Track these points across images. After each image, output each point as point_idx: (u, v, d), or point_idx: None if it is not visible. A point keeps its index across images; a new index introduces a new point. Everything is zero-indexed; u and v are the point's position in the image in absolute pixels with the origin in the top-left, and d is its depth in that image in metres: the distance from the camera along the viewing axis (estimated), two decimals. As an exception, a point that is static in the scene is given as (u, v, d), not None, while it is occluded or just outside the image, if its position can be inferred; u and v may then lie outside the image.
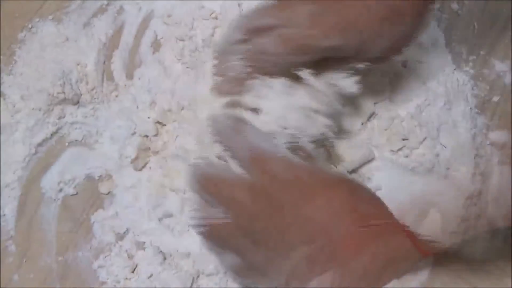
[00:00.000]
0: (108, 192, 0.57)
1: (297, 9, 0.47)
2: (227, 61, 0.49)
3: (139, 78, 0.61)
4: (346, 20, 0.47)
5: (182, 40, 0.61)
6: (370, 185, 0.57)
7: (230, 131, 0.46)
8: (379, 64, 0.52)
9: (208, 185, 0.45)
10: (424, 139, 0.58)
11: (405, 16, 0.49)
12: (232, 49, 0.49)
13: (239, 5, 0.62)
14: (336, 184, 0.43)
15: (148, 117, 0.58)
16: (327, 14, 0.47)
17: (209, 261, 0.53)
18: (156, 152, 0.57)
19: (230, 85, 0.49)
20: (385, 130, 0.58)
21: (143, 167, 0.57)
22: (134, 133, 0.57)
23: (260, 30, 0.47)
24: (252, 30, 0.48)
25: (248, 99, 0.48)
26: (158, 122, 0.57)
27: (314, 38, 0.47)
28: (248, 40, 0.48)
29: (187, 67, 0.60)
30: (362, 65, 0.50)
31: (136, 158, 0.56)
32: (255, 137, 0.45)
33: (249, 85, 0.48)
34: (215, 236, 0.45)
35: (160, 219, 0.55)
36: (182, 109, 0.57)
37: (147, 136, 0.57)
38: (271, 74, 0.48)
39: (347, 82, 0.50)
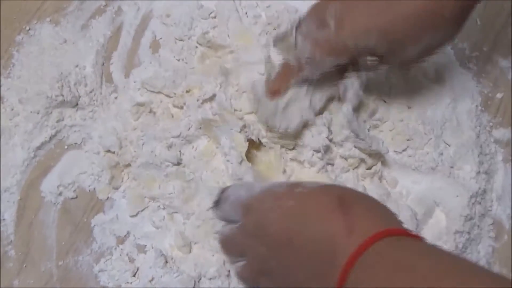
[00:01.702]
0: (107, 198, 0.56)
1: (327, 9, 0.48)
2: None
3: (134, 82, 0.59)
4: (377, 21, 0.47)
5: (181, 40, 0.61)
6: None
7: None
8: (406, 68, 0.52)
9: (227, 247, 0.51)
10: (429, 140, 0.57)
11: (444, 23, 0.48)
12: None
13: (234, 1, 0.61)
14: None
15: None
16: (356, 14, 0.48)
17: (211, 264, 0.52)
18: (127, 165, 0.56)
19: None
20: (390, 130, 0.57)
21: (122, 182, 0.56)
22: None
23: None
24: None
25: None
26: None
27: (344, 38, 0.48)
28: None
29: (185, 63, 0.59)
30: (370, 59, 0.50)
31: (112, 177, 0.56)
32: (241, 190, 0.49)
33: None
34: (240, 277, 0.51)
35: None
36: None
37: (113, 152, 0.56)
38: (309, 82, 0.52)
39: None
